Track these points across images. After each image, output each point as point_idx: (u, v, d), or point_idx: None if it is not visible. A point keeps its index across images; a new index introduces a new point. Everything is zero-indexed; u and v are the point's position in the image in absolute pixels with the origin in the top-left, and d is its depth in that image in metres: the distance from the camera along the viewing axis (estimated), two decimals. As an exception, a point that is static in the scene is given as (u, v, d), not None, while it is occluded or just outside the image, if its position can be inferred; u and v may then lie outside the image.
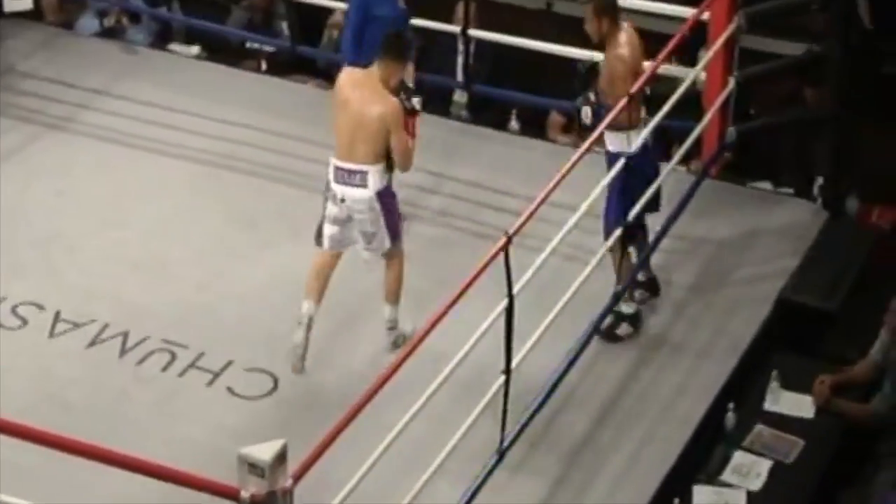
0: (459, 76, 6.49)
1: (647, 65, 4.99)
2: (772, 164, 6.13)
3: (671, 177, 5.10)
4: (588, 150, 4.49)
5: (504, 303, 4.12)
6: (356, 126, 4.62)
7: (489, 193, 5.73)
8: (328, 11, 6.99)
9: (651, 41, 5.47)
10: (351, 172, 4.66)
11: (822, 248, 5.37)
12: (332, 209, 4.74)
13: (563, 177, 4.33)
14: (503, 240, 4.03)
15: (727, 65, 5.55)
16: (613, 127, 4.69)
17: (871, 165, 5.79)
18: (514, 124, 6.54)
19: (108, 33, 6.91)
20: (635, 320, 4.97)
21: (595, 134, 4.60)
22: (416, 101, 4.88)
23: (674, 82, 5.26)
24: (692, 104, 5.58)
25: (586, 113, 4.83)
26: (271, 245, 5.44)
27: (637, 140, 4.75)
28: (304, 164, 5.87)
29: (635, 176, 4.75)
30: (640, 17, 6.77)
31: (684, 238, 5.43)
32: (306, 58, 6.99)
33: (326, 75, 7.21)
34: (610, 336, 4.91)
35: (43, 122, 6.20)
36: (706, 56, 5.48)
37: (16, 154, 5.97)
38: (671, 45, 4.98)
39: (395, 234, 4.80)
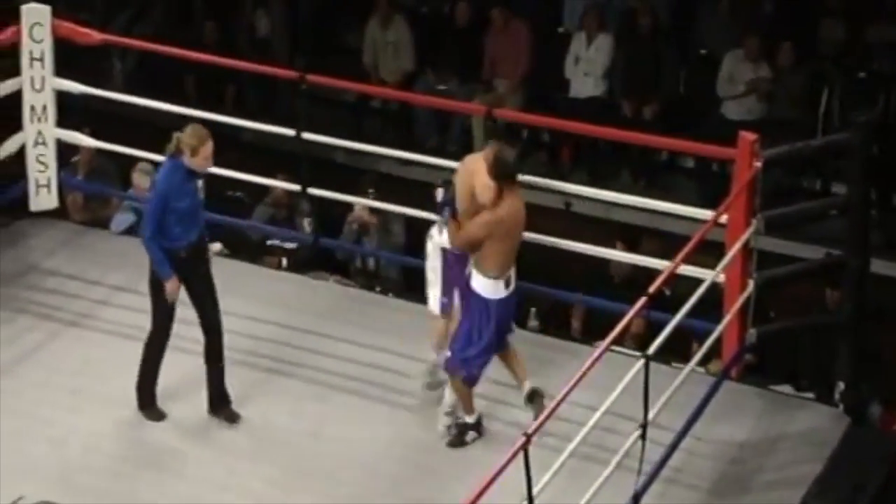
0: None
1: (666, 264, 5.29)
2: (792, 368, 6.30)
3: (691, 378, 5.29)
4: (607, 349, 4.75)
5: (524, 506, 4.30)
6: None
7: (507, 390, 5.95)
8: (348, 207, 7.43)
9: (671, 242, 5.79)
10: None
11: (845, 455, 5.45)
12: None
13: (583, 375, 4.57)
14: (522, 439, 4.24)
15: (746, 267, 5.75)
16: (481, 271, 5.37)
17: (893, 371, 5.95)
18: (532, 322, 6.82)
19: (136, 231, 7.30)
20: (478, 427, 5.62)
21: (613, 334, 4.84)
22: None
23: (693, 282, 5.54)
24: (712, 305, 5.81)
25: (440, 193, 5.55)
26: (289, 443, 5.62)
27: (502, 291, 5.38)
28: (321, 360, 6.14)
29: (490, 320, 5.38)
30: (661, 217, 7.18)
31: (703, 440, 5.57)
32: (326, 253, 7.38)
33: (345, 271, 7.61)
34: (457, 444, 5.58)
35: (63, 320, 6.50)
36: (726, 258, 5.75)
37: (35, 353, 6.25)
38: (691, 245, 5.23)
39: (446, 301, 5.56)
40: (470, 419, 5.64)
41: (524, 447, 4.24)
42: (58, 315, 6.55)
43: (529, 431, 4.28)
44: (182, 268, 5.67)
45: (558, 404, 4.47)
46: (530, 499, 4.31)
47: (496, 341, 5.50)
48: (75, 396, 5.96)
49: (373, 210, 7.39)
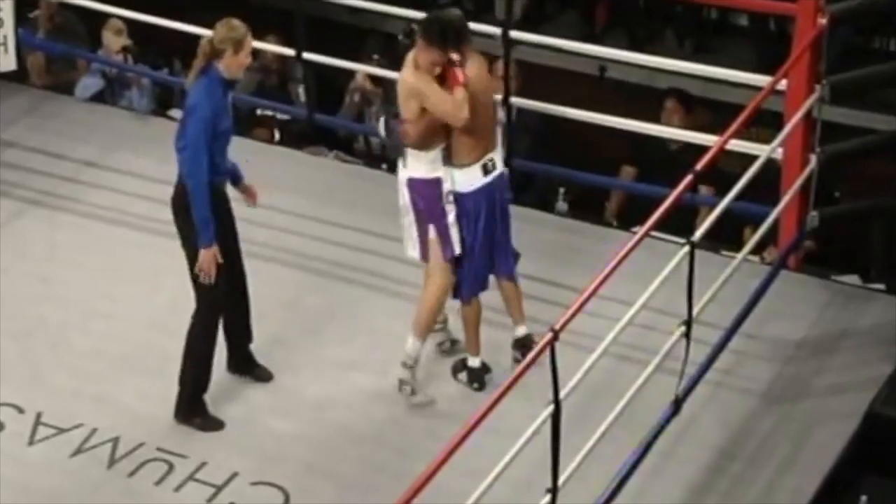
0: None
1: (715, 139, 5.18)
2: (860, 256, 6.25)
3: (743, 268, 5.23)
4: (645, 235, 4.66)
5: (549, 409, 4.25)
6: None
7: (533, 283, 5.90)
8: (349, 74, 7.27)
9: (723, 112, 5.66)
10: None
11: (919, 353, 5.44)
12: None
13: (617, 266, 4.50)
14: (548, 336, 4.18)
15: (808, 141, 5.69)
16: (461, 164, 5.13)
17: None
18: (561, 205, 6.74)
19: (105, 97, 7.22)
20: (473, 377, 5.36)
21: (652, 220, 4.75)
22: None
23: (746, 159, 5.44)
24: (768, 184, 5.74)
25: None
26: (280, 340, 5.61)
27: (479, 178, 5.14)
28: (319, 247, 6.10)
29: (472, 220, 5.17)
30: (712, 86, 7.05)
31: (757, 338, 5.55)
32: (324, 127, 7.25)
33: (347, 147, 7.48)
34: (453, 375, 5.38)
35: (26, 198, 6.46)
36: (784, 130, 5.66)
37: (-5, 234, 6.25)
38: (743, 116, 5.16)
39: (423, 246, 5.12)
40: (473, 362, 5.38)
41: (550, 343, 4.18)
42: (19, 193, 6.50)
43: (557, 327, 4.20)
44: (226, 205, 5.16)
45: (589, 297, 4.40)
46: (556, 402, 4.27)
47: (488, 246, 5.25)
48: (43, 285, 5.93)
49: (377, 80, 7.21)
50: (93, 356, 5.56)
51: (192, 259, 5.05)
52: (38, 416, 5.23)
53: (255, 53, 7.38)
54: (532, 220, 6.38)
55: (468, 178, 5.17)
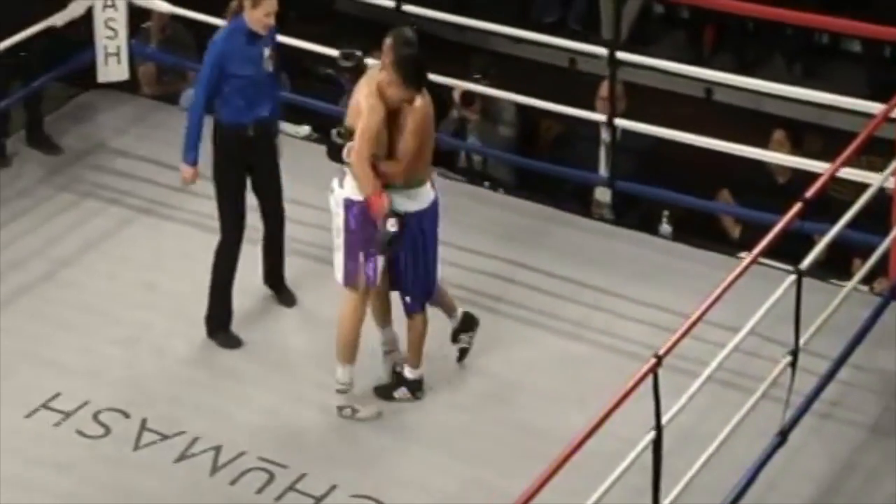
0: (602, 171, 6.75)
1: (825, 166, 5.15)
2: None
3: (852, 297, 5.20)
4: (754, 261, 4.67)
5: (651, 435, 4.28)
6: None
7: (632, 305, 5.92)
8: (449, 90, 7.34)
9: (832, 138, 5.62)
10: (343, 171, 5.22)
11: None
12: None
13: (723, 292, 4.50)
14: (652, 360, 4.20)
15: (921, 169, 5.64)
16: (412, 185, 5.21)
17: None
18: (665, 227, 6.75)
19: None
20: (416, 387, 5.43)
21: (760, 247, 4.75)
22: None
23: (856, 187, 5.40)
24: (879, 214, 5.69)
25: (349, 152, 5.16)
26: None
27: (431, 193, 5.27)
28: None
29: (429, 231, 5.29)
30: (821, 111, 6.99)
31: (865, 370, 5.51)
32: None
33: (449, 163, 7.55)
34: (386, 397, 5.43)
35: (134, 206, 6.61)
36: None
37: (103, 241, 6.38)
38: (855, 144, 5.12)
39: (350, 270, 5.18)
40: (414, 374, 5.44)
41: (654, 369, 4.20)
42: (128, 201, 6.66)
43: (661, 352, 4.22)
44: (247, 148, 5.67)
45: (694, 323, 4.41)
46: (658, 428, 4.29)
47: (433, 258, 5.34)
48: (148, 293, 6.07)
49: (471, 99, 7.25)
50: (196, 364, 5.68)
51: (219, 181, 5.71)
52: (144, 421, 5.35)
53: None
54: (635, 241, 6.41)
55: (422, 196, 5.25)
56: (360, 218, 5.18)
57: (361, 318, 5.31)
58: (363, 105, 5.11)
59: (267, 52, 5.62)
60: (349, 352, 5.31)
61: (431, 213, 5.31)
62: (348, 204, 5.19)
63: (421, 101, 5.16)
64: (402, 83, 5.07)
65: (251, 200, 5.79)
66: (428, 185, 5.30)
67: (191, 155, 5.66)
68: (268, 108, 5.65)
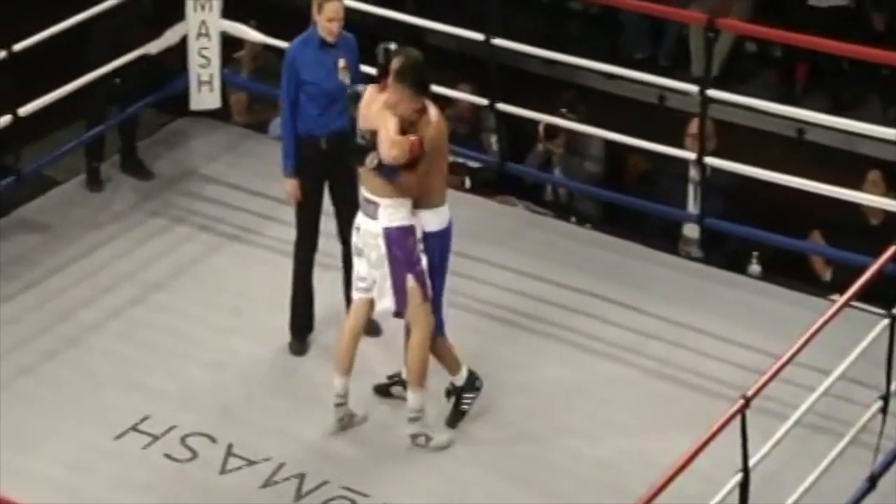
0: (691, 208, 6.75)
1: (880, 200, 5.08)
2: None
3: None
4: (846, 303, 4.65)
5: (738, 477, 4.27)
6: None
7: (719, 344, 5.91)
8: (535, 123, 7.39)
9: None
10: (367, 202, 5.28)
11: None
12: (354, 239, 5.37)
13: (814, 335, 4.49)
14: (740, 402, 4.20)
15: None
16: (433, 204, 5.28)
17: None
18: (754, 267, 6.72)
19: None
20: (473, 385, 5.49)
21: (852, 289, 4.73)
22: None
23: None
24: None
25: (372, 159, 5.19)
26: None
27: (447, 213, 5.35)
28: (505, 296, 6.22)
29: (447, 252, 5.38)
30: (874, 145, 6.92)
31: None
32: (513, 176, 7.37)
33: (535, 196, 7.60)
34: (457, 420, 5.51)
35: (225, 233, 6.73)
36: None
37: (193, 266, 6.50)
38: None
39: (400, 296, 5.25)
40: (460, 379, 5.50)
41: (741, 411, 4.20)
42: (218, 227, 6.77)
43: (749, 394, 4.22)
44: (321, 161, 5.72)
45: (784, 364, 4.41)
46: (745, 470, 4.29)
47: (444, 277, 5.41)
48: (236, 319, 6.17)
49: (555, 132, 7.30)
50: (282, 391, 5.75)
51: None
52: (230, 447, 5.43)
53: (449, 101, 7.65)
54: (723, 280, 6.40)
55: (440, 218, 5.32)
56: (400, 240, 5.26)
57: (431, 336, 5.37)
58: (375, 119, 5.19)
59: (342, 62, 5.68)
60: (421, 376, 5.36)
61: (445, 235, 5.36)
62: (388, 233, 5.26)
63: (436, 115, 5.25)
64: (409, 93, 5.15)
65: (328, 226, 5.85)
66: (447, 206, 5.37)
67: (287, 164, 5.73)
68: (343, 121, 5.65)
